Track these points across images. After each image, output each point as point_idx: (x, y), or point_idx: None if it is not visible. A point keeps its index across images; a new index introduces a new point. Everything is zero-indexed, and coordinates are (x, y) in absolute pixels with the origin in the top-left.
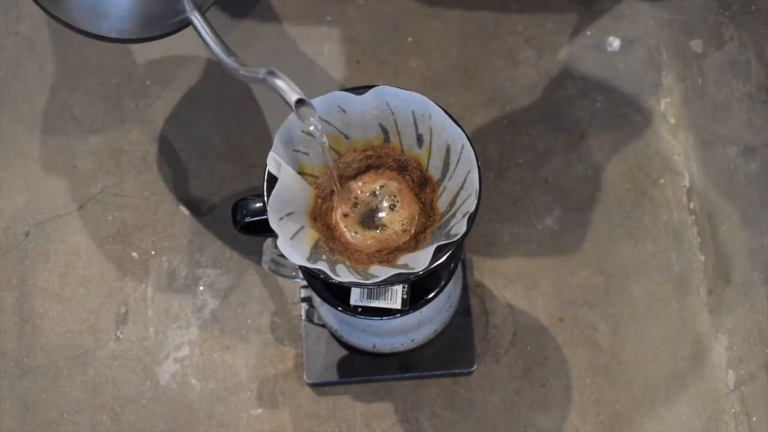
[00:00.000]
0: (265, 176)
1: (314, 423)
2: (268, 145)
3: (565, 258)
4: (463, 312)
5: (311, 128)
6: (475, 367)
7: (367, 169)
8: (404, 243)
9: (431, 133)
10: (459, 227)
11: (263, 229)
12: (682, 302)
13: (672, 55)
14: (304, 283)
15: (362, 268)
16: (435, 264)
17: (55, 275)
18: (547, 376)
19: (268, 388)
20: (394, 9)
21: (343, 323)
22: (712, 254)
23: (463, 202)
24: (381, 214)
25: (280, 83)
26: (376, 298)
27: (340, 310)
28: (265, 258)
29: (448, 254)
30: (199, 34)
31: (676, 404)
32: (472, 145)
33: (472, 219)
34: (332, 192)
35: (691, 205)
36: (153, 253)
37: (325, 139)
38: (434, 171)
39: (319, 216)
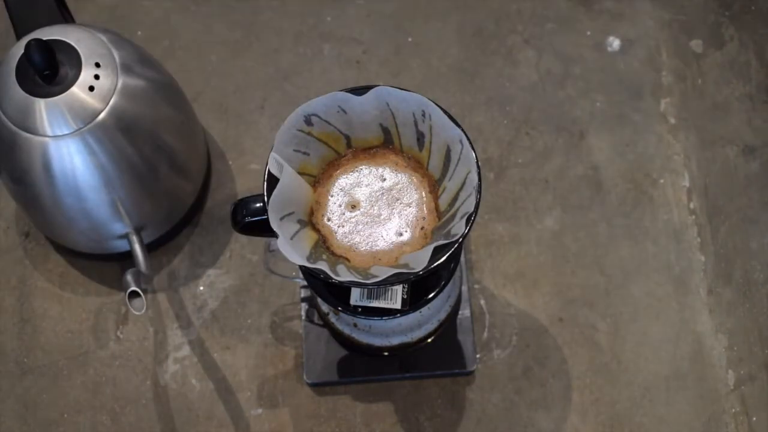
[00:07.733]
0: (265, 176)
1: (314, 423)
2: (268, 145)
3: (565, 258)
4: (463, 312)
5: None
6: (475, 367)
7: (367, 169)
8: (404, 243)
9: (431, 134)
10: (459, 227)
11: (263, 229)
12: (682, 302)
13: (672, 55)
14: (304, 283)
15: (362, 268)
16: (434, 264)
17: (55, 275)
18: (547, 376)
19: (268, 388)
20: (394, 9)
21: (343, 322)
22: (712, 254)
23: (462, 202)
24: (381, 215)
25: (128, 276)
26: (376, 298)
27: (340, 310)
28: (265, 258)
29: (447, 254)
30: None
31: (676, 404)
32: (471, 146)
33: (471, 219)
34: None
35: (691, 205)
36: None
37: None
38: (434, 171)
39: (319, 216)
